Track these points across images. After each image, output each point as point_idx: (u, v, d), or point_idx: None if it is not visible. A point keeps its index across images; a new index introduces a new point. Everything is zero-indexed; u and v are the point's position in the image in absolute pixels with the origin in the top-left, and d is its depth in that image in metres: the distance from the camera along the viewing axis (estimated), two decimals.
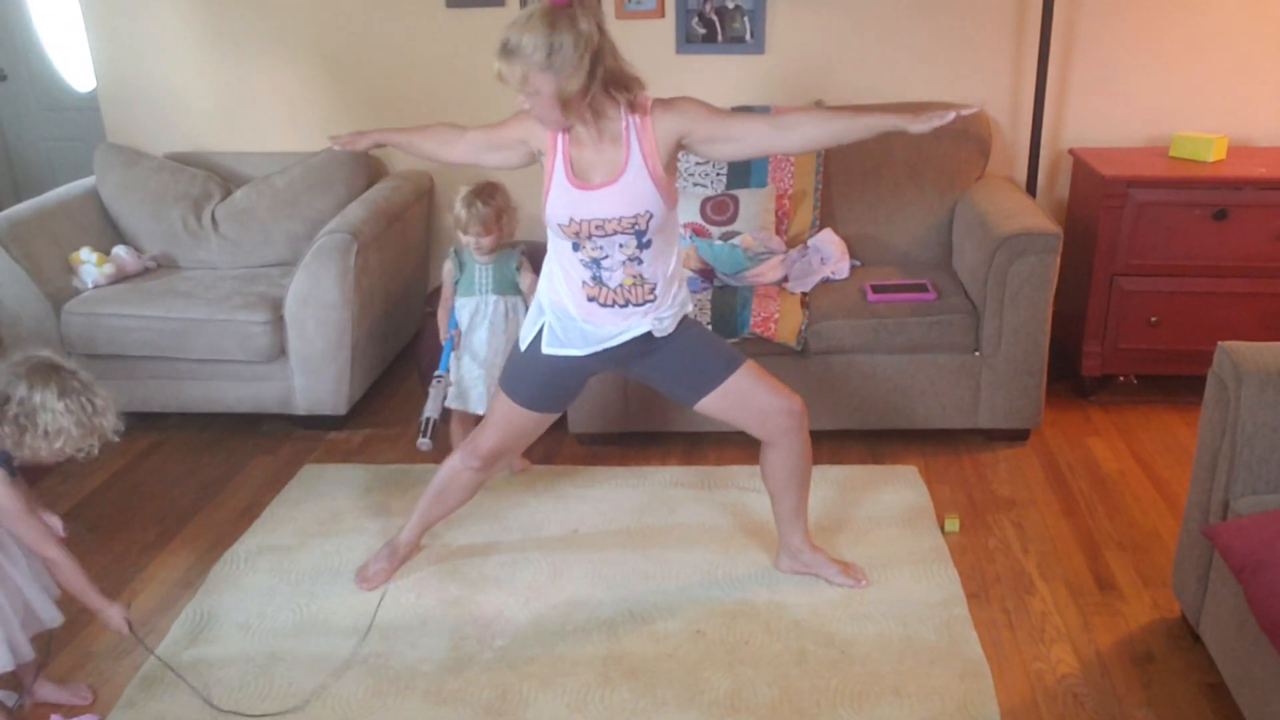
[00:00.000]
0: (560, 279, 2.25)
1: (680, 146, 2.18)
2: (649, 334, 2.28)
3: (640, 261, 2.19)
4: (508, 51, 1.99)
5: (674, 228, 2.27)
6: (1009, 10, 3.56)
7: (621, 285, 2.20)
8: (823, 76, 3.65)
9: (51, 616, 2.11)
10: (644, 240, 2.17)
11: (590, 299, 2.23)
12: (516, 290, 2.89)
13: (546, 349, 2.30)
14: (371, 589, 2.56)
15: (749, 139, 2.19)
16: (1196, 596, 2.18)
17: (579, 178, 2.14)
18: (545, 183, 2.17)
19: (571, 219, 2.14)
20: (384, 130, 2.46)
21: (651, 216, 2.15)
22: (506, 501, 2.94)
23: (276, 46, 3.84)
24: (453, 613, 2.47)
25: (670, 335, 2.31)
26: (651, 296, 2.23)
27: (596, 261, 2.18)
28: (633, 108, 2.12)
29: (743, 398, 2.35)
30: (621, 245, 2.16)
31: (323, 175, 3.66)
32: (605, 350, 2.29)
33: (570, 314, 2.26)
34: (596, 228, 2.14)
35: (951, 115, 2.07)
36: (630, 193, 2.12)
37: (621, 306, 2.23)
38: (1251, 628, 1.89)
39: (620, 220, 2.13)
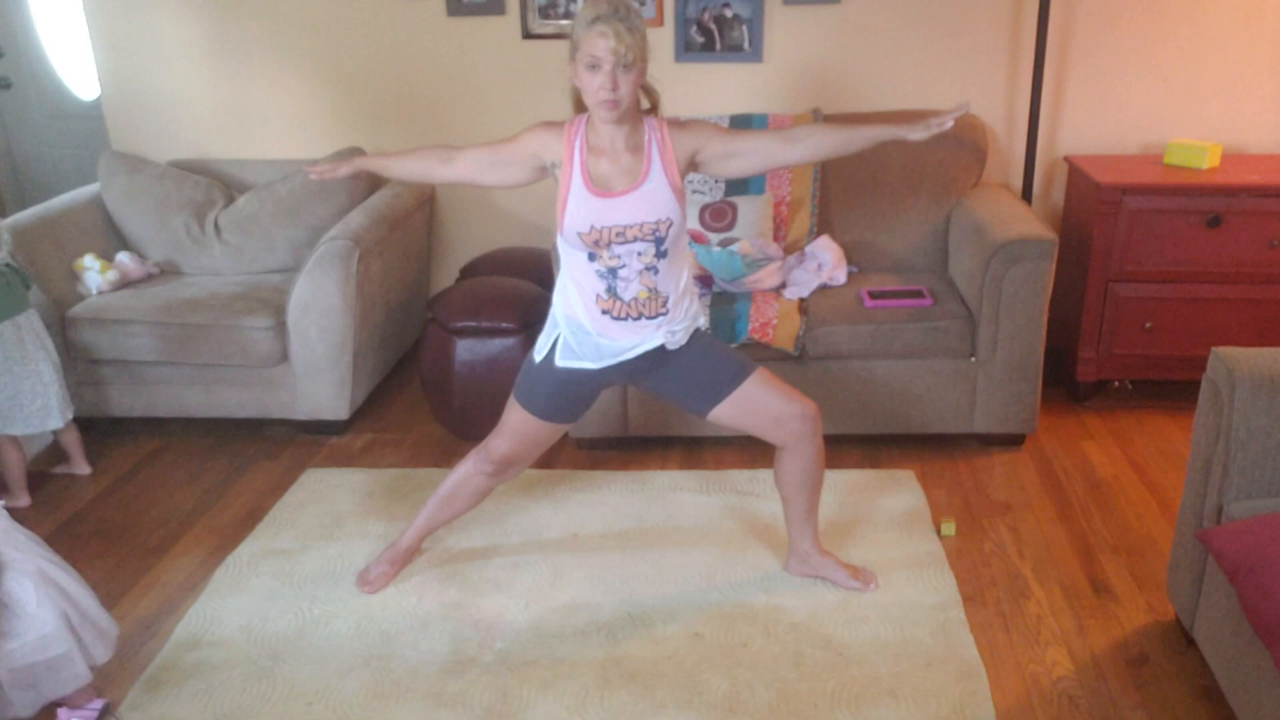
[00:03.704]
0: (574, 293, 2.27)
1: (692, 165, 2.25)
2: (661, 347, 2.30)
3: (656, 272, 2.22)
4: (624, 20, 2.03)
5: (685, 243, 2.32)
6: (1005, 19, 3.59)
7: (636, 299, 2.23)
8: (820, 85, 3.68)
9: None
10: (662, 249, 2.20)
11: (604, 312, 2.25)
12: None
13: (560, 361, 2.32)
14: (373, 592, 2.58)
15: (758, 153, 2.26)
16: (1191, 600, 2.20)
17: (599, 186, 2.17)
18: (561, 194, 2.19)
19: (593, 226, 2.17)
20: (366, 157, 2.49)
21: (671, 224, 2.19)
22: (507, 505, 2.96)
23: (279, 55, 3.87)
24: (453, 615, 2.49)
25: (681, 347, 2.34)
26: (664, 310, 2.26)
27: (613, 271, 2.21)
28: (655, 115, 2.21)
29: (756, 405, 2.37)
30: (640, 254, 2.19)
31: (325, 182, 3.66)
32: (618, 364, 2.31)
33: (584, 328, 2.28)
34: (617, 235, 2.17)
35: (949, 123, 2.15)
36: (652, 200, 2.17)
37: (634, 320, 2.25)
38: (1245, 631, 1.90)
39: (642, 226, 2.17)
